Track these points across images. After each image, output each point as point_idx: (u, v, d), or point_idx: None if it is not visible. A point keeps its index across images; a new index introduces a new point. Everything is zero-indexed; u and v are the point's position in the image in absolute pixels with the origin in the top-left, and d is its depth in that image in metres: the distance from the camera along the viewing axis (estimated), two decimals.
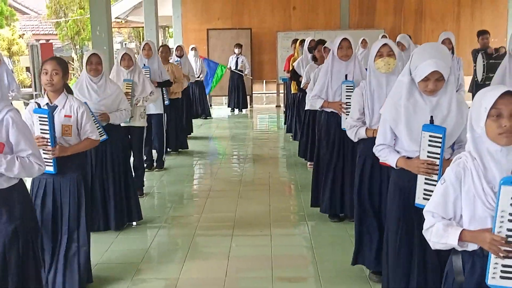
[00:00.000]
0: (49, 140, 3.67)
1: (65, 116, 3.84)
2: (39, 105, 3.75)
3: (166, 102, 7.94)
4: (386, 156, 3.18)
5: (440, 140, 2.84)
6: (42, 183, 3.85)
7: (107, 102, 5.04)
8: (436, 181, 2.82)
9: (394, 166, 3.14)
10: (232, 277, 4.23)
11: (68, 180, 3.86)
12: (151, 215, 5.79)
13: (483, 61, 9.07)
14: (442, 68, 2.87)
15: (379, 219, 3.94)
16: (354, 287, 4.00)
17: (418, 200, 2.98)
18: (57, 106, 3.82)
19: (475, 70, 9.37)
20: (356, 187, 4.06)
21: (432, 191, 2.62)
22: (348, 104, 4.80)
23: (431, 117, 2.93)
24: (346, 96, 4.90)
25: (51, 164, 3.73)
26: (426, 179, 2.94)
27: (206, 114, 13.07)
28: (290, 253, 4.76)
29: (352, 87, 4.80)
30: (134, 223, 5.45)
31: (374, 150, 3.30)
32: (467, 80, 8.58)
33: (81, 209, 3.89)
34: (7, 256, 2.93)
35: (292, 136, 9.92)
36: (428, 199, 2.55)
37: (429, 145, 2.87)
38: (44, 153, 3.62)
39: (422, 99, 3.01)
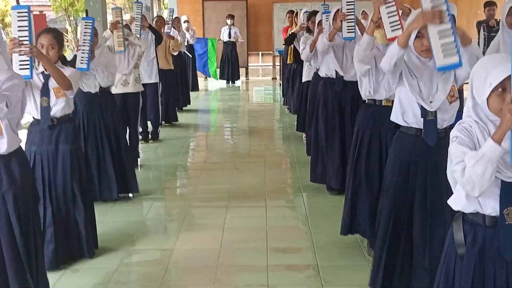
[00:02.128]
0: (27, 38, 3.50)
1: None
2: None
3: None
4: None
5: None
6: (37, 157, 3.83)
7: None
8: None
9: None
10: (227, 248, 4.25)
11: (61, 153, 3.85)
12: (146, 186, 5.78)
13: (484, 34, 8.96)
14: None
15: (376, 193, 3.84)
16: (349, 258, 4.02)
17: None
18: None
19: (477, 43, 9.26)
20: (352, 162, 4.02)
21: None
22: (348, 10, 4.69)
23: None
24: (347, 2, 4.72)
25: (28, 66, 3.50)
26: None
27: (194, 89, 12.72)
28: (285, 225, 4.78)
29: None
30: (131, 194, 5.40)
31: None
32: None
33: (74, 181, 3.88)
34: (12, 221, 2.92)
35: (288, 108, 9.87)
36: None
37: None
38: (20, 54, 3.44)
39: (420, 62, 3.03)
